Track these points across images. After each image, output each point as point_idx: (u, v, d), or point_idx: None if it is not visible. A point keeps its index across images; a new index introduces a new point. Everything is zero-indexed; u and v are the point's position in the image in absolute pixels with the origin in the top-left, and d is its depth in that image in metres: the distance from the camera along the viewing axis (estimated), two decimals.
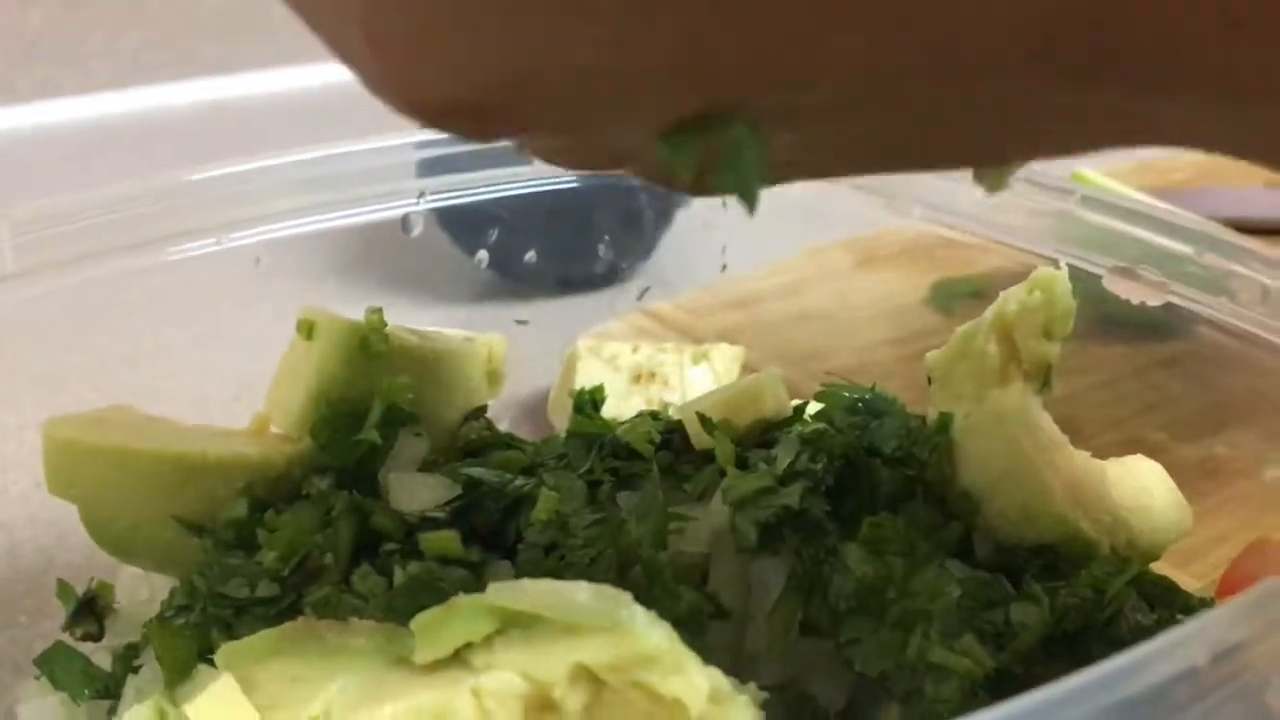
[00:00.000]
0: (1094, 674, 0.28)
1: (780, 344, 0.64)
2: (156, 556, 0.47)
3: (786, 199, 0.63)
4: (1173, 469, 0.48)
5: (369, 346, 0.46)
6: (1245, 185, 0.92)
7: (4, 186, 0.52)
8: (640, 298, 0.66)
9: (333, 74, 1.21)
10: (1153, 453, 0.49)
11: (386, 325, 0.47)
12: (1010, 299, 0.44)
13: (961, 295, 0.66)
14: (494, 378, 0.52)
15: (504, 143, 0.30)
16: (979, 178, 0.36)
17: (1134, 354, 0.61)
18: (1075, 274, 0.49)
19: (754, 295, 0.70)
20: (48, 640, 0.47)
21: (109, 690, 0.45)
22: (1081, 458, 0.45)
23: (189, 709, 0.35)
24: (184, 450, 0.46)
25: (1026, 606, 0.40)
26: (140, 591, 0.49)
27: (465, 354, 0.51)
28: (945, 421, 0.44)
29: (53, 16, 1.12)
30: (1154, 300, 0.51)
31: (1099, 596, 0.40)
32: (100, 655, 0.47)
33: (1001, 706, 0.26)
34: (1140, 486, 0.45)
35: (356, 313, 0.49)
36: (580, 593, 0.33)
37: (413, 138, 0.60)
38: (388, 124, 0.58)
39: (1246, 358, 0.52)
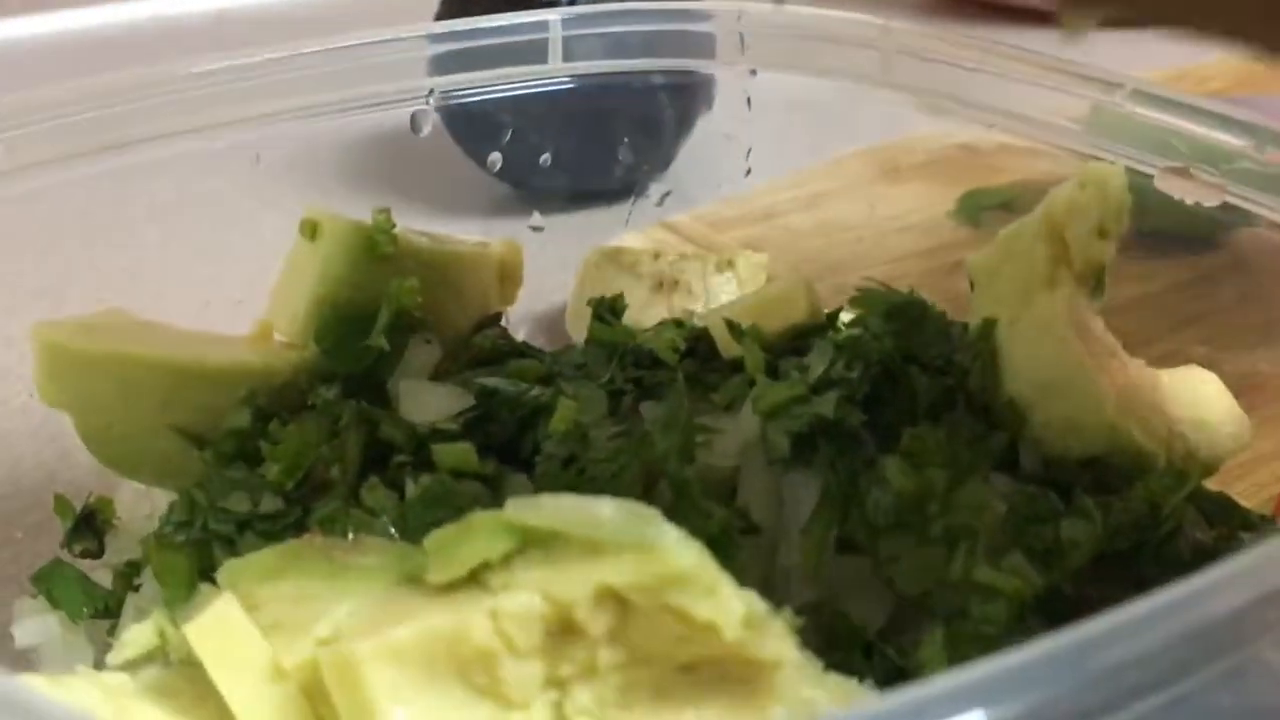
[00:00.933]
0: (1166, 597, 0.26)
1: (802, 257, 0.61)
2: (155, 469, 0.45)
3: (809, 103, 0.60)
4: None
5: (376, 248, 0.44)
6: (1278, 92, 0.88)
7: None
8: (661, 203, 0.63)
9: None
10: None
11: (394, 226, 0.44)
12: (1060, 196, 0.42)
13: (989, 207, 0.63)
14: (510, 283, 0.50)
15: None
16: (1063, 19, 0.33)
17: (1175, 267, 0.59)
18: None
19: (775, 207, 0.67)
20: (47, 558, 0.44)
21: (109, 609, 0.43)
22: (1135, 366, 0.42)
23: (188, 629, 0.33)
24: (181, 357, 0.44)
25: (1077, 522, 0.37)
26: (141, 507, 0.47)
27: (479, 258, 0.49)
28: (989, 327, 0.42)
29: None
30: (1210, 200, 0.48)
31: (1155, 512, 0.37)
32: (100, 573, 0.45)
33: (1061, 633, 0.23)
34: (1196, 398, 0.43)
35: (363, 216, 0.46)
36: (605, 508, 0.31)
37: (421, 31, 0.57)
38: (396, 20, 0.55)
39: None
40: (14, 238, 0.51)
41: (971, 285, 0.44)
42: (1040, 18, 1.04)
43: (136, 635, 0.37)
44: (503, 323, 0.49)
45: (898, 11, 0.55)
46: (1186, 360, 0.48)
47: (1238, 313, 0.57)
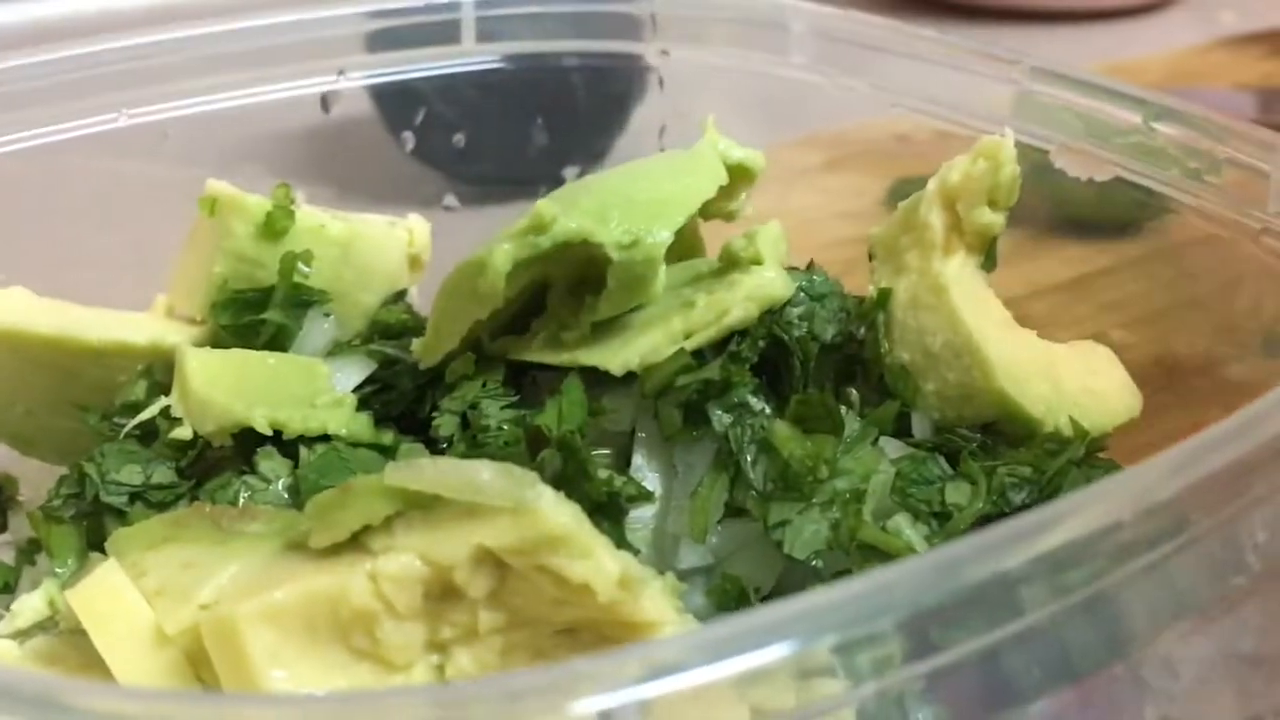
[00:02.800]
0: (1012, 527, 0.27)
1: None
2: (55, 446, 0.45)
3: (727, 93, 0.61)
4: (1130, 367, 0.47)
5: (274, 224, 0.44)
6: (1214, 86, 0.90)
7: None
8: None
9: None
10: (1116, 351, 0.47)
11: (294, 202, 0.45)
12: (954, 168, 0.43)
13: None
14: (416, 262, 0.50)
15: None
16: None
17: (1095, 253, 0.60)
18: (1029, 157, 0.47)
19: None
20: None
21: (8, 586, 0.43)
22: (1027, 336, 0.43)
23: (71, 596, 0.33)
24: (79, 334, 0.44)
25: (962, 486, 0.38)
26: (47, 485, 0.46)
27: (384, 236, 0.49)
28: (884, 296, 0.43)
29: None
30: (1101, 175, 0.49)
31: (1039, 476, 0.38)
32: (4, 551, 0.45)
33: (920, 558, 0.24)
34: (1088, 369, 0.44)
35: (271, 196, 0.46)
36: (483, 472, 0.31)
37: (332, 11, 0.57)
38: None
39: (1209, 250, 0.50)
40: None
41: (870, 257, 0.45)
42: (974, 12, 1.05)
43: (27, 604, 0.37)
44: (409, 299, 0.49)
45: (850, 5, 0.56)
46: (1106, 342, 0.48)
47: (1155, 297, 0.58)
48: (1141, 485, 0.29)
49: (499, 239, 0.39)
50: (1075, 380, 0.43)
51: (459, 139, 0.63)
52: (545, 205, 0.39)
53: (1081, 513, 0.28)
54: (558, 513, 0.31)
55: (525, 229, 0.39)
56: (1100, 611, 0.28)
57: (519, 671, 0.31)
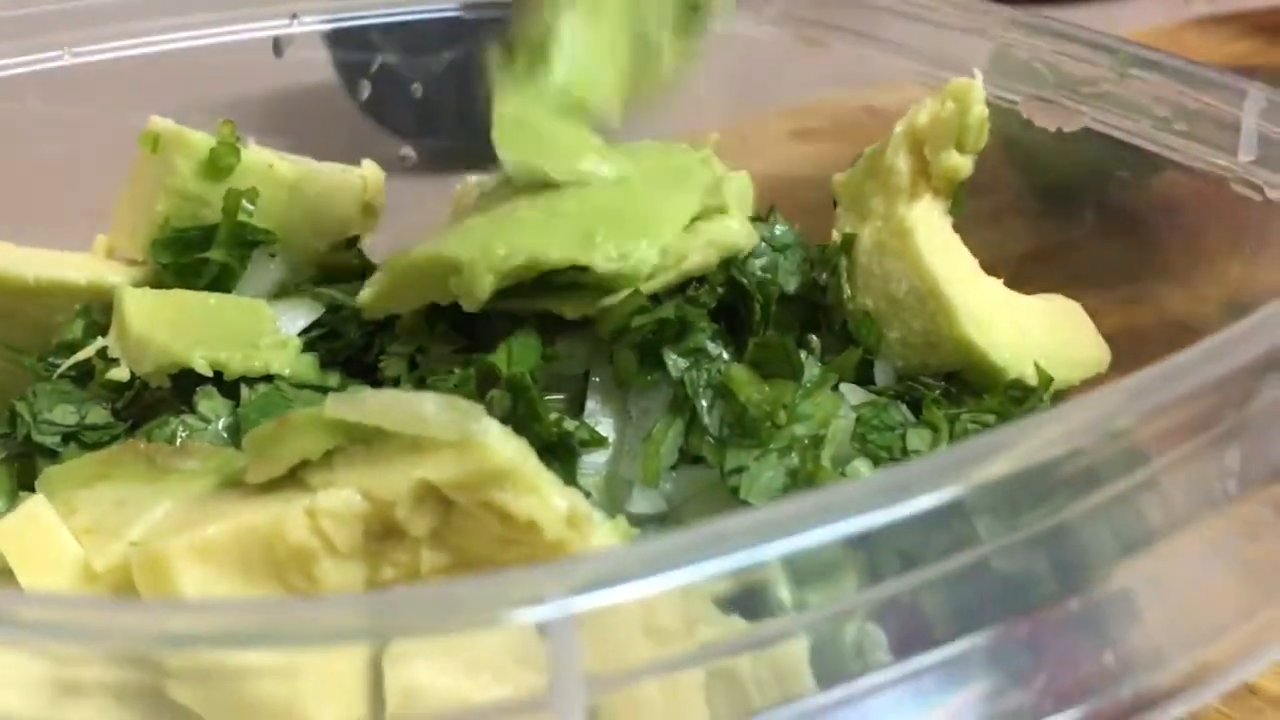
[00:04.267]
0: (964, 450, 0.27)
1: None
2: None
3: (713, 62, 0.60)
4: (1104, 332, 0.46)
5: (218, 161, 0.42)
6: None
7: None
8: None
9: None
10: None
11: (238, 139, 0.43)
12: (922, 110, 0.42)
13: None
14: (369, 209, 0.49)
15: None
16: None
17: (1064, 223, 0.59)
18: (997, 123, 0.45)
19: None
20: None
21: None
22: (994, 284, 0.42)
23: None
24: (15, 273, 0.42)
25: (923, 433, 0.38)
26: None
27: (336, 180, 0.48)
28: (848, 242, 0.42)
29: None
30: (1071, 126, 0.48)
31: (1000, 424, 0.37)
32: None
33: (867, 480, 0.23)
34: (1056, 321, 0.43)
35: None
36: (427, 404, 0.30)
37: None
38: None
39: (1183, 211, 0.49)
40: None
41: (835, 204, 0.44)
42: None
43: None
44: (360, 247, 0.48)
45: None
46: None
47: (1127, 263, 0.58)
48: (1101, 411, 0.28)
49: (480, 260, 0.38)
50: (1042, 331, 0.42)
51: (416, 89, 0.61)
52: (534, 242, 0.38)
53: (1036, 436, 0.27)
54: (504, 447, 0.30)
55: (514, 265, 0.38)
56: (1054, 540, 0.28)
57: (456, 580, 0.30)
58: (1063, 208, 0.57)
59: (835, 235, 0.43)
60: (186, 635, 0.23)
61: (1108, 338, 0.46)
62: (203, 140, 0.43)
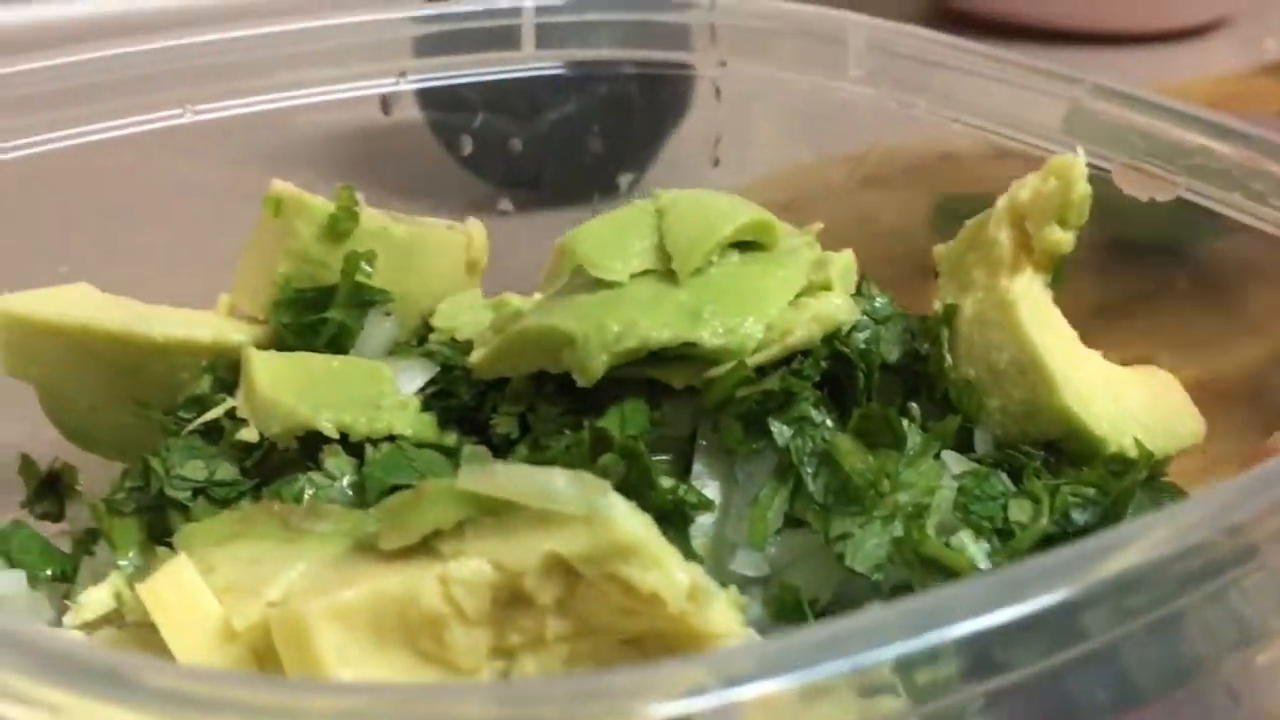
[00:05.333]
0: (1082, 548, 0.27)
1: None
2: (116, 443, 0.46)
3: (787, 98, 0.61)
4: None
5: (337, 224, 0.44)
6: (1258, 113, 0.89)
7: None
8: (628, 190, 0.64)
9: None
10: None
11: (357, 204, 0.45)
12: (1025, 185, 0.43)
13: (966, 214, 0.64)
14: (474, 266, 0.50)
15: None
16: None
17: (1141, 275, 0.60)
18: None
19: None
20: None
21: (65, 574, 0.43)
22: (1092, 355, 0.43)
23: (142, 590, 0.34)
24: (141, 329, 0.44)
25: (1025, 504, 0.38)
26: (104, 476, 0.47)
27: (443, 240, 0.49)
28: (950, 313, 0.43)
29: None
30: (1164, 195, 0.49)
31: (1103, 497, 0.38)
32: (61, 541, 0.45)
33: (984, 577, 0.24)
34: (1152, 393, 0.44)
35: (331, 196, 0.46)
36: (557, 479, 0.31)
37: (394, 14, 0.57)
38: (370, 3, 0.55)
39: (1264, 270, 0.50)
40: None
41: (935, 273, 0.45)
42: (1024, 33, 1.05)
43: (93, 598, 0.37)
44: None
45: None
46: (1154, 365, 0.48)
47: (1201, 320, 0.58)
48: (1209, 510, 0.29)
49: (594, 337, 0.39)
50: (1139, 402, 0.43)
51: (515, 144, 0.63)
52: (646, 321, 0.39)
53: (1148, 537, 0.28)
54: (630, 522, 0.31)
55: (626, 346, 0.39)
56: (1164, 636, 0.28)
57: (586, 673, 0.31)
58: (1135, 262, 0.58)
59: (936, 305, 0.44)
60: (321, 716, 0.24)
61: (1193, 391, 0.47)
62: (322, 205, 0.45)
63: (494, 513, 0.32)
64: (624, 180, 0.63)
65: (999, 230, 0.43)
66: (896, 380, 0.43)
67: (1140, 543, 0.27)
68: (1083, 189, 0.42)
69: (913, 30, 0.58)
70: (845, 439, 0.38)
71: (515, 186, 0.64)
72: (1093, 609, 0.27)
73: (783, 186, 0.68)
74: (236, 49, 0.54)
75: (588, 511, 0.31)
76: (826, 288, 0.42)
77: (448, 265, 0.49)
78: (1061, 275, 0.43)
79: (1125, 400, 0.42)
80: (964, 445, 0.42)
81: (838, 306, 0.41)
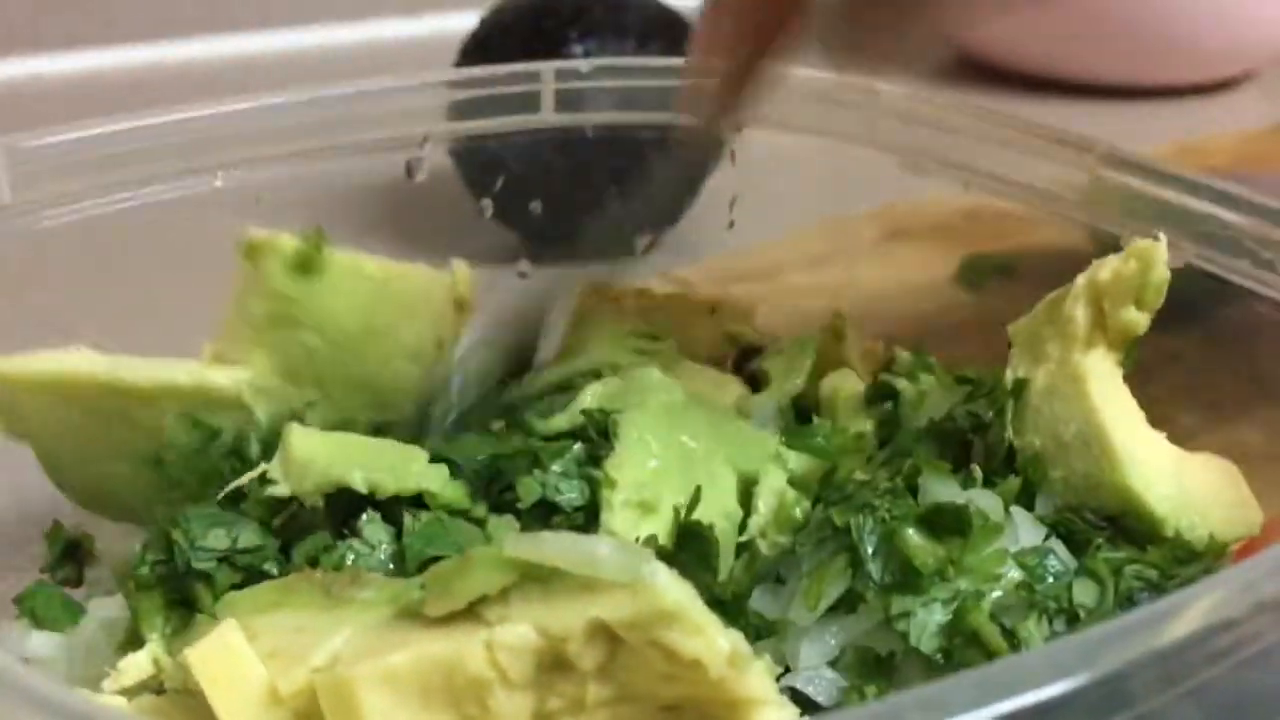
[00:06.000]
0: (1124, 621, 0.28)
1: (802, 316, 0.62)
2: (117, 499, 0.47)
3: (804, 162, 0.62)
4: (1204, 451, 0.47)
5: (305, 259, 0.46)
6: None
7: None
8: (646, 251, 0.64)
9: (362, 31, 1.19)
10: (1182, 438, 0.47)
11: (325, 242, 0.46)
12: (1104, 266, 0.45)
13: (990, 272, 0.64)
14: (461, 305, 0.52)
15: None
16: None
17: (1165, 339, 0.60)
18: (1105, 242, 0.48)
19: (775, 265, 0.69)
20: None
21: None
22: (1157, 436, 0.44)
23: (190, 654, 0.34)
24: (122, 377, 0.45)
25: (1089, 585, 0.39)
26: (119, 545, 0.47)
27: (424, 276, 0.50)
28: (1020, 387, 0.45)
29: None
30: (1174, 261, 0.50)
31: (1165, 581, 0.40)
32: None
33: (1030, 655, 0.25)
34: (1211, 479, 0.45)
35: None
36: (602, 547, 0.32)
37: (418, 80, 0.58)
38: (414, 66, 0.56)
39: (1277, 335, 0.50)
40: (14, 274, 0.52)
41: (1010, 345, 0.47)
42: (1048, 86, 1.06)
43: (133, 663, 0.38)
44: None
45: (905, 74, 0.57)
46: (1178, 427, 0.49)
47: (1226, 385, 0.59)
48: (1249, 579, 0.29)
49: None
50: (1201, 487, 0.44)
51: (535, 205, 0.64)
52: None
53: (1193, 608, 0.28)
54: (673, 589, 0.32)
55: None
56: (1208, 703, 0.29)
57: None
58: (1158, 324, 0.58)
59: (1009, 375, 0.46)
60: None
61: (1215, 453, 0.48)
62: (289, 242, 0.47)
63: (538, 579, 0.33)
64: (642, 242, 0.64)
65: (1076, 307, 0.45)
66: (954, 444, 0.45)
67: (1185, 614, 0.27)
68: (1161, 273, 0.44)
69: (929, 96, 0.59)
70: (913, 532, 0.39)
71: (535, 246, 0.64)
72: (1139, 677, 0.27)
73: (816, 240, 0.69)
74: (265, 116, 0.55)
75: (632, 579, 0.32)
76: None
77: (431, 300, 0.49)
78: (1134, 355, 0.45)
79: (1187, 484, 0.43)
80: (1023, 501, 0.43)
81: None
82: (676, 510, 0.41)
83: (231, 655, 0.34)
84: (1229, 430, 0.53)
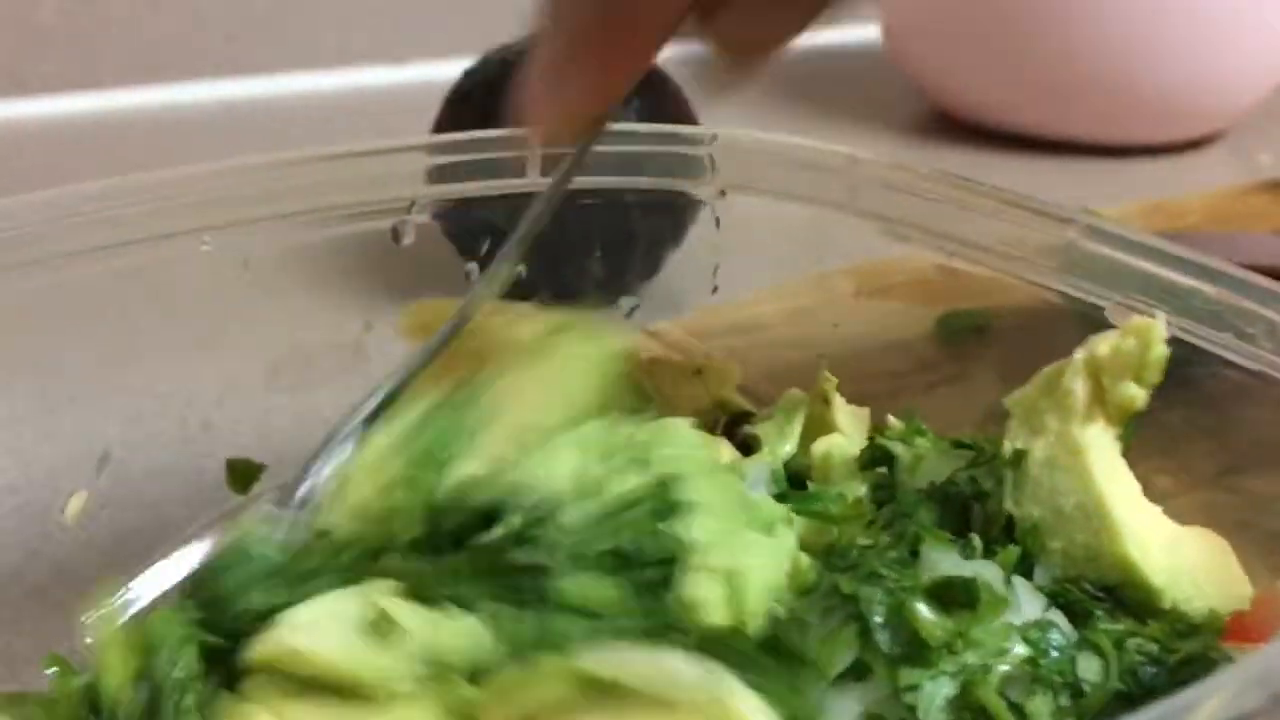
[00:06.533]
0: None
1: (782, 370, 0.62)
2: None
3: (785, 225, 0.62)
4: (1178, 516, 0.49)
5: None
6: (1256, 230, 0.91)
7: (9, 180, 0.49)
8: (629, 315, 0.64)
9: (346, 79, 1.19)
10: (1159, 498, 0.49)
11: None
12: (1103, 341, 0.46)
13: (965, 329, 0.65)
14: None
15: None
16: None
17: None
18: (1081, 308, 0.50)
19: (756, 320, 0.69)
20: None
21: None
22: (1154, 510, 0.46)
23: None
24: None
25: (1091, 660, 0.40)
26: None
27: None
28: (1018, 457, 0.46)
29: (65, 9, 1.09)
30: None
31: (1166, 655, 0.41)
32: None
33: None
34: (1206, 555, 0.46)
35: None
36: (676, 662, 0.32)
37: (404, 144, 0.57)
38: (395, 126, 0.55)
39: (1255, 399, 0.51)
40: None
41: (1008, 414, 0.48)
42: (1021, 143, 1.07)
43: None
44: None
45: (886, 132, 0.58)
46: (1154, 489, 0.51)
47: (1201, 445, 0.59)
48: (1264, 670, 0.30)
49: None
50: (1195, 560, 0.46)
51: (520, 270, 0.63)
52: None
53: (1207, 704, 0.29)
54: (747, 706, 0.31)
55: None
56: None
57: None
58: None
59: (1007, 446, 0.47)
60: None
61: (1187, 521, 0.49)
62: None
63: (603, 692, 0.32)
64: (625, 303, 0.63)
65: (1074, 381, 0.46)
66: (954, 513, 0.45)
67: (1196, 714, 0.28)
68: (1160, 350, 0.45)
69: (912, 166, 0.59)
70: (922, 606, 0.40)
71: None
72: None
73: (792, 295, 0.69)
74: (251, 179, 0.53)
75: (708, 697, 0.31)
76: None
77: None
78: (1131, 430, 0.46)
79: (1181, 556, 0.45)
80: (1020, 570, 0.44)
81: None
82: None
83: None
84: (1206, 492, 0.54)
